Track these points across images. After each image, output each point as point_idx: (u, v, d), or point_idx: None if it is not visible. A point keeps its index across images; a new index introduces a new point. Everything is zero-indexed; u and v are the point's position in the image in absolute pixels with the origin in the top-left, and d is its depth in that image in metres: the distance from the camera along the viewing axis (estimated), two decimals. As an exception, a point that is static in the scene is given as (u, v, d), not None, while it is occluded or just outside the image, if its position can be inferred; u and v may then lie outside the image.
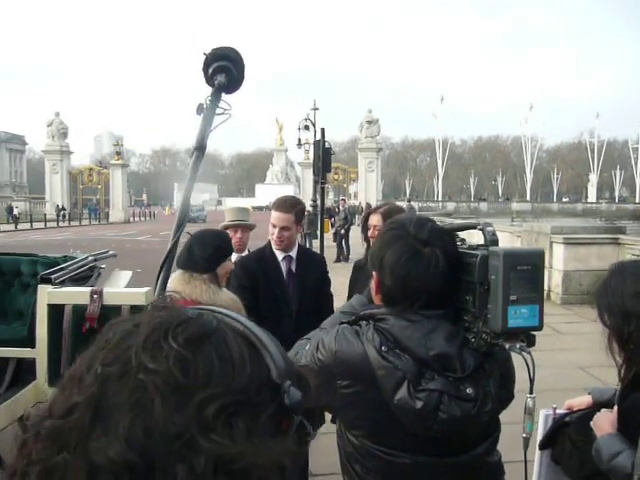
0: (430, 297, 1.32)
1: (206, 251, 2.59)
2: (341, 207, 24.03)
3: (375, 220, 3.05)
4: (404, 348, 1.31)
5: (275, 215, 3.12)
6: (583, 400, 1.79)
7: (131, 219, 51.20)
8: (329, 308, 3.30)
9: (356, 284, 3.14)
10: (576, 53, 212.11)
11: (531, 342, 1.28)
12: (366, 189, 45.62)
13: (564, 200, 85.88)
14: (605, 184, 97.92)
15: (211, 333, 0.52)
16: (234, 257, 3.93)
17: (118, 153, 49.68)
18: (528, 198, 75.12)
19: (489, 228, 1.35)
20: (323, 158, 15.02)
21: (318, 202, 18.35)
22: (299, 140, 34.61)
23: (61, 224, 40.64)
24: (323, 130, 15.40)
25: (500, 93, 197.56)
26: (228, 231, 3.94)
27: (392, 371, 1.30)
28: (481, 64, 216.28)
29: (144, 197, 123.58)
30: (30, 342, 3.42)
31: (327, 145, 15.38)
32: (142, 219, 55.62)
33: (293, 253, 3.20)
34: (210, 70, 1.31)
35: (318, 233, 16.83)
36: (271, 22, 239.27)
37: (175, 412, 0.47)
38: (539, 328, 1.29)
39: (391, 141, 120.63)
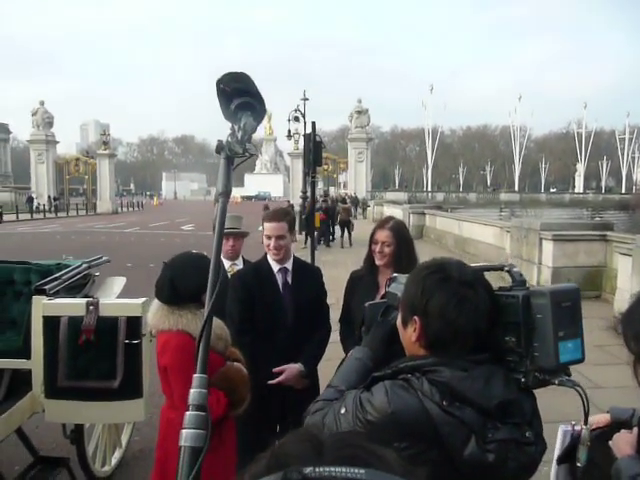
0: (477, 340, 1.32)
1: (190, 284, 2.47)
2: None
3: (384, 236, 2.94)
4: (464, 400, 1.26)
5: (269, 226, 3.12)
6: (601, 418, 1.82)
7: (119, 210, 50.79)
8: (324, 321, 3.32)
9: (353, 294, 3.15)
10: (565, 45, 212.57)
11: (569, 375, 1.32)
12: (355, 179, 45.65)
13: (552, 190, 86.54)
14: (592, 174, 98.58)
15: None
16: (227, 264, 3.93)
17: (105, 143, 49.14)
18: (516, 188, 75.51)
19: (515, 269, 1.38)
20: (314, 151, 14.95)
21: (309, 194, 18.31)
22: (289, 131, 34.43)
23: (48, 215, 40.19)
24: (314, 123, 15.27)
25: (489, 83, 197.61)
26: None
27: (459, 427, 1.25)
28: (471, 54, 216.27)
29: (132, 186, 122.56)
30: (25, 353, 3.40)
31: (318, 138, 15.31)
32: (130, 209, 55.18)
33: (289, 265, 3.21)
34: (233, 107, 1.25)
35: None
36: (262, 9, 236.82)
37: None
38: (583, 360, 1.32)
39: (380, 130, 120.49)
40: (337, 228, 21.47)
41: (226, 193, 1.22)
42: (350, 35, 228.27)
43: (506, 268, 1.40)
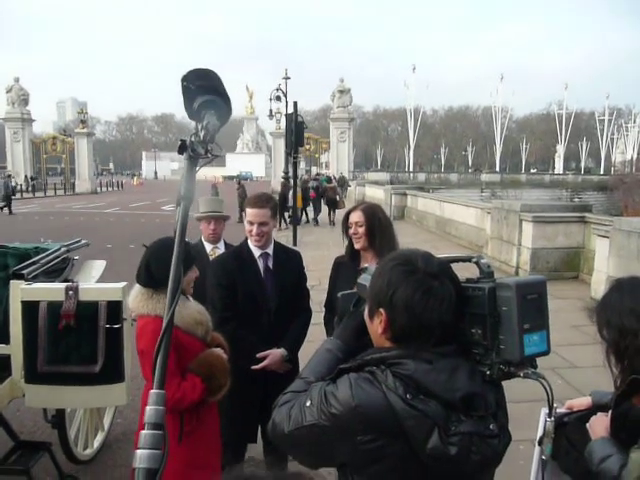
0: (443, 332, 1.31)
1: (165, 268, 2.44)
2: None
3: (356, 217, 3.03)
4: (428, 393, 1.25)
5: (252, 212, 3.10)
6: (583, 401, 1.89)
7: (98, 189, 50.02)
8: (305, 304, 3.34)
9: (337, 280, 3.17)
10: (547, 25, 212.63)
11: (535, 366, 1.32)
12: (338, 159, 45.49)
13: (532, 171, 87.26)
14: (572, 155, 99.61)
15: None
16: (208, 248, 3.91)
17: (83, 121, 48.07)
18: (497, 168, 75.95)
19: (483, 261, 1.36)
20: (296, 132, 14.85)
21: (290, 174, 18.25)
22: (270, 111, 34.12)
23: (25, 195, 39.42)
24: (295, 104, 15.16)
25: (471, 64, 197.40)
26: (202, 222, 3.90)
27: (422, 420, 1.23)
28: (453, 34, 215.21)
29: (111, 166, 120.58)
30: (4, 338, 3.36)
31: (300, 118, 15.20)
32: (110, 189, 54.36)
33: (270, 250, 3.20)
34: (196, 105, 1.20)
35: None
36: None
37: None
38: (548, 352, 1.32)
39: (363, 110, 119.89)
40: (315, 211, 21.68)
41: (189, 197, 1.15)
42: (334, 14, 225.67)
43: (474, 259, 1.38)
